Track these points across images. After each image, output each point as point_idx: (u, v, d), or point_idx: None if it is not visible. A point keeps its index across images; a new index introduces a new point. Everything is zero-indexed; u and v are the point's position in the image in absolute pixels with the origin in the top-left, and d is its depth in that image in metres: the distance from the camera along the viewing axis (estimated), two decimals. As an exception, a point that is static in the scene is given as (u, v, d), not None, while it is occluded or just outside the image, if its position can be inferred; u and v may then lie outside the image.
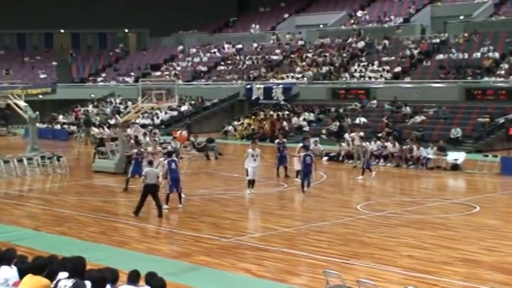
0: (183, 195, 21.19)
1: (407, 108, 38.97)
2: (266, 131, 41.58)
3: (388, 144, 30.76)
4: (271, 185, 25.19)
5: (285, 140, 28.20)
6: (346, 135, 33.21)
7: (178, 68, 58.61)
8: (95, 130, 43.10)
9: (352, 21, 54.79)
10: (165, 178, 20.44)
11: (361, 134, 31.22)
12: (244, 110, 48.28)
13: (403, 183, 26.63)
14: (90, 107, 54.65)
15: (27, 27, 63.03)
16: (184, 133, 37.76)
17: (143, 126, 44.19)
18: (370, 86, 43.62)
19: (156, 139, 32.33)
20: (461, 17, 48.92)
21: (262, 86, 48.14)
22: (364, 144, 27.83)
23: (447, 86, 40.26)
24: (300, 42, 54.73)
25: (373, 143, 31.09)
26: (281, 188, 24.70)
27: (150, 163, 20.96)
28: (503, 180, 26.29)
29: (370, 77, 44.93)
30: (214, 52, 59.01)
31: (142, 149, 25.33)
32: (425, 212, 19.83)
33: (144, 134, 36.60)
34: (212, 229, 17.62)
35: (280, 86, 47.23)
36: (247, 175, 23.65)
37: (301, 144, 26.68)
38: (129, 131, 33.24)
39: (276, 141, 28.16)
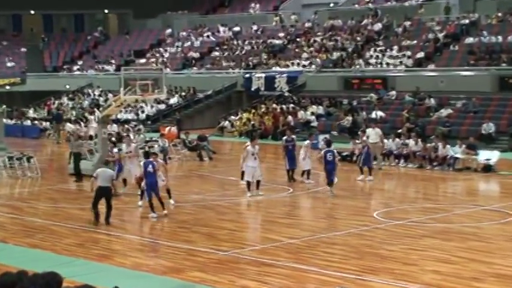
0: (172, 202, 21.25)
1: (432, 100, 39.00)
2: (268, 127, 41.62)
3: (410, 142, 30.77)
4: (274, 189, 25.18)
5: (294, 136, 27.83)
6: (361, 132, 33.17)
7: (167, 55, 58.66)
8: (70, 126, 43.06)
9: (367, 0, 54.83)
10: (138, 182, 20.56)
11: (367, 129, 30.97)
12: (242, 103, 48.34)
13: (427, 187, 26.66)
14: (64, 100, 54.71)
15: (-9, 7, 63.12)
16: (174, 130, 37.80)
17: (126, 122, 44.24)
18: (388, 75, 43.65)
19: (130, 136, 31.83)
20: (494, -6, 48.92)
21: (264, 75, 48.16)
22: (363, 139, 27.88)
23: (478, 74, 40.28)
24: (306, 24, 54.75)
25: (391, 140, 31.11)
26: (285, 193, 24.72)
27: (106, 163, 21.28)
28: (542, 183, 26.39)
29: (388, 64, 44.95)
30: (208, 36, 59.03)
31: (115, 149, 25.30)
32: (453, 221, 19.86)
33: (127, 130, 36.59)
34: (207, 241, 17.63)
35: (284, 75, 47.26)
36: (242, 177, 23.67)
37: (306, 142, 26.71)
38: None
39: (284, 138, 27.61)
